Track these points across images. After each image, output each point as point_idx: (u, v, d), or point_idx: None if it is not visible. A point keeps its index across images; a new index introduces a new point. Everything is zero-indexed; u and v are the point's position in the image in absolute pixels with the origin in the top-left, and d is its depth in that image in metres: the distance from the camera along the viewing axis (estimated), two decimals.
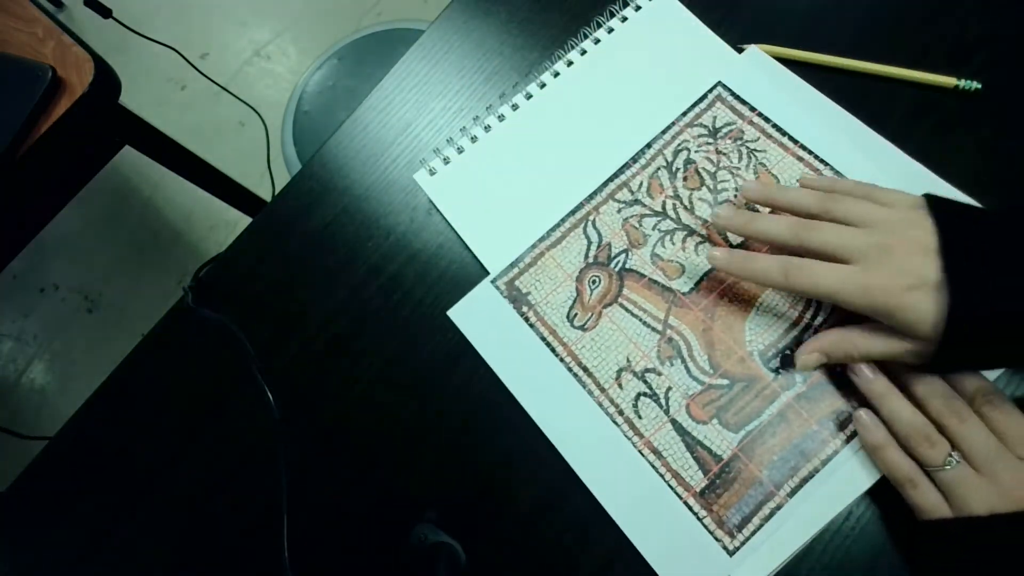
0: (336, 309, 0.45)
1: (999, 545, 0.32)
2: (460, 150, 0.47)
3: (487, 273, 0.44)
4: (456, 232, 0.46)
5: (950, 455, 0.34)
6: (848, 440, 0.37)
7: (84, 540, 0.43)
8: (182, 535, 0.42)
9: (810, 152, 0.44)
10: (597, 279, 0.43)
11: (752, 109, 0.45)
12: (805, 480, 0.37)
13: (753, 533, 0.37)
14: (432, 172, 0.47)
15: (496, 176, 0.46)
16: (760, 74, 0.46)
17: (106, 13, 0.90)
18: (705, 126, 0.46)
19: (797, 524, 0.36)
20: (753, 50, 0.47)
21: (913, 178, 0.42)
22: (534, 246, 0.44)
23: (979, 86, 0.43)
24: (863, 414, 0.36)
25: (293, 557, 0.39)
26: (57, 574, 0.43)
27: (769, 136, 0.45)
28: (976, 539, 0.32)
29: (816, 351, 0.38)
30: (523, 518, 0.39)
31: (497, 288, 0.43)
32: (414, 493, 0.41)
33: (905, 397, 0.36)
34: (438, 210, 0.46)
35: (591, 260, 0.43)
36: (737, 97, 0.46)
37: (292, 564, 0.39)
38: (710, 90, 0.46)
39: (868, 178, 0.41)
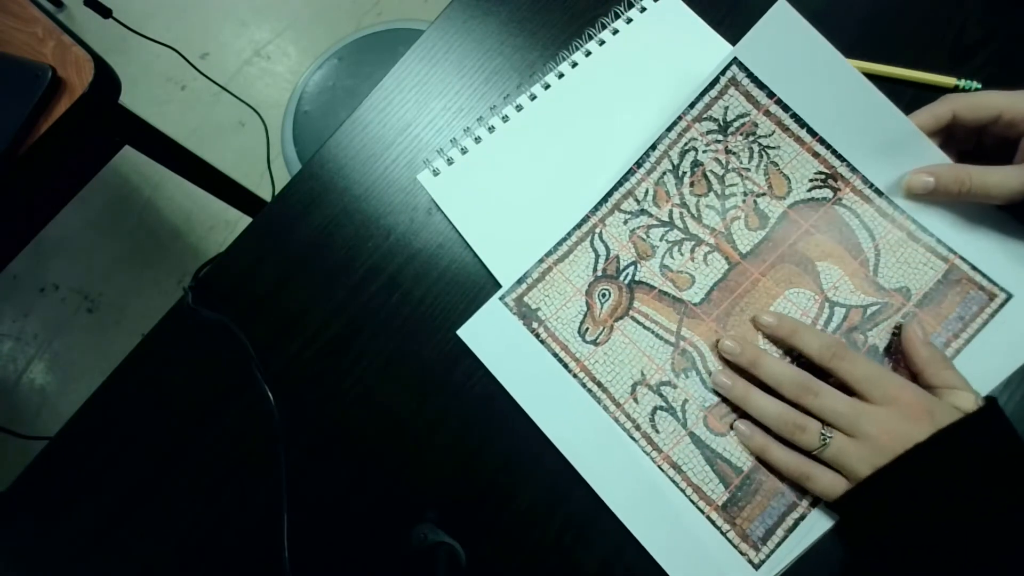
0: (336, 309, 0.45)
1: (894, 494, 0.33)
2: (464, 151, 0.47)
3: (487, 273, 0.44)
4: (457, 232, 0.45)
5: (822, 433, 0.35)
6: None
7: (84, 540, 0.43)
8: (182, 535, 0.42)
9: (828, 147, 0.42)
10: (607, 292, 0.43)
11: (770, 95, 0.42)
12: None
13: (778, 545, 0.36)
14: (435, 173, 0.47)
15: (500, 178, 0.46)
16: (784, 39, 0.41)
17: (106, 13, 0.90)
18: (715, 119, 0.44)
19: (822, 532, 0.36)
20: (782, 3, 0.40)
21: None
22: (541, 261, 0.43)
23: (979, 86, 0.43)
24: (740, 424, 0.38)
25: (293, 557, 0.39)
26: (57, 574, 0.43)
27: (785, 128, 0.42)
28: (874, 499, 0.34)
29: (928, 173, 0.38)
30: (524, 519, 0.39)
31: (506, 305, 0.43)
32: (414, 493, 0.41)
33: (766, 393, 0.38)
34: (439, 210, 0.46)
35: (600, 273, 0.43)
36: (754, 79, 0.42)
37: (292, 564, 0.39)
38: (723, 72, 0.43)
39: (883, 172, 0.41)
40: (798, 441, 0.36)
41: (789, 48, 0.41)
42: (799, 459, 0.36)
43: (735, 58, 0.43)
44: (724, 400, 0.39)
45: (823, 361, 0.37)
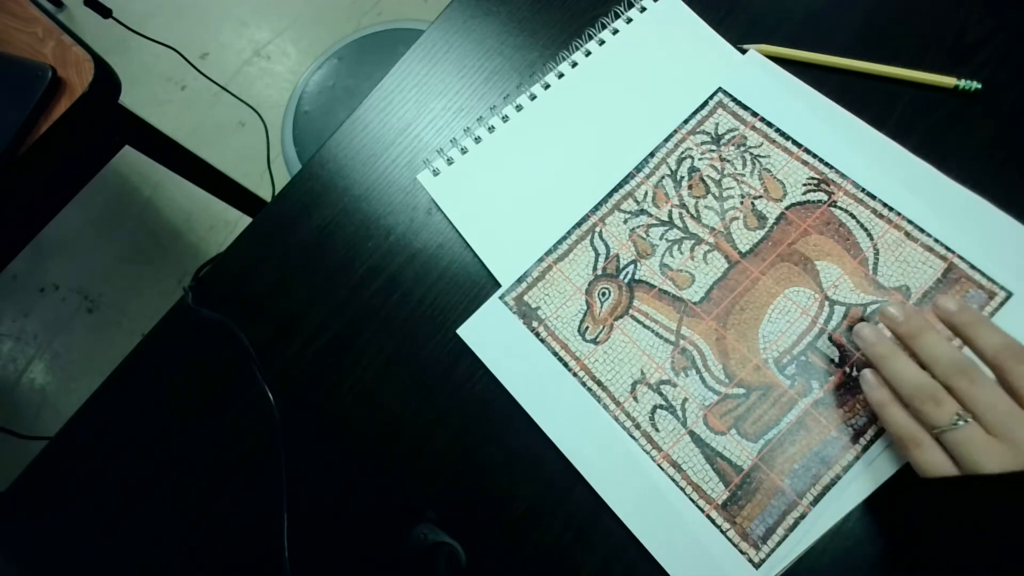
0: (336, 309, 0.45)
1: (1011, 503, 0.31)
2: (464, 151, 0.47)
3: (488, 272, 0.44)
4: (458, 232, 0.46)
5: (957, 415, 0.33)
6: (868, 444, 0.37)
7: (84, 540, 0.43)
8: (182, 535, 0.42)
9: (814, 156, 0.43)
10: (607, 291, 0.43)
11: (754, 114, 0.45)
12: (827, 487, 0.37)
13: (778, 544, 0.36)
14: (436, 173, 0.47)
15: (500, 178, 0.46)
16: (761, 78, 0.46)
17: (106, 13, 0.90)
18: (707, 133, 0.45)
19: (822, 532, 0.36)
20: (753, 54, 0.46)
21: (917, 176, 0.42)
22: (541, 260, 0.44)
23: (979, 86, 0.43)
24: (868, 373, 0.37)
25: (293, 557, 0.39)
26: (57, 573, 0.43)
27: (772, 141, 0.44)
28: (986, 497, 0.32)
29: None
30: (524, 519, 0.39)
31: (506, 304, 0.43)
32: (414, 493, 0.41)
33: (912, 361, 0.36)
34: (439, 210, 0.46)
35: (600, 272, 0.43)
36: (738, 102, 0.46)
37: (292, 564, 0.39)
38: (711, 96, 0.46)
39: (873, 177, 0.41)
40: (927, 412, 0.34)
41: (765, 82, 0.46)
42: (916, 425, 0.34)
43: (719, 87, 0.46)
44: (723, 399, 0.39)
45: (999, 360, 0.34)
